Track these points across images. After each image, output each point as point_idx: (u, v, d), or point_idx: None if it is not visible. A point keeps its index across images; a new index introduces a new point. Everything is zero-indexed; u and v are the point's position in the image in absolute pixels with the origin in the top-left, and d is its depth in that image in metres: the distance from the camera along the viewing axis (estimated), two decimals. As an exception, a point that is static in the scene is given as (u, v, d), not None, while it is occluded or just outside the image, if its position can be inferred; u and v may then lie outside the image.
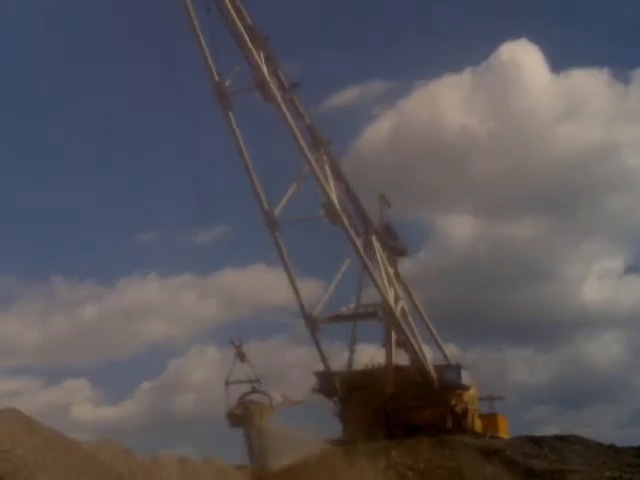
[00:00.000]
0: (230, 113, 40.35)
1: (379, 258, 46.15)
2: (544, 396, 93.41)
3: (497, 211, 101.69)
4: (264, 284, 75.08)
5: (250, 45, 39.40)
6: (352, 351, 47.97)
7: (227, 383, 39.07)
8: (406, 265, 52.01)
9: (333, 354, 48.01)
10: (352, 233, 42.96)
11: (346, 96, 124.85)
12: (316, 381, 46.92)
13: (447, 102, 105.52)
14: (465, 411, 46.98)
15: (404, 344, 46.06)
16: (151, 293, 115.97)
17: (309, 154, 41.36)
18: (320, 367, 46.68)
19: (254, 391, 39.17)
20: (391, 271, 47.80)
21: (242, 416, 38.00)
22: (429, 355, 47.83)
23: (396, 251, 49.83)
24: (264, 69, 40.09)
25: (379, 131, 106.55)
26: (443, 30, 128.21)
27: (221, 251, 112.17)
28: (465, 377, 46.50)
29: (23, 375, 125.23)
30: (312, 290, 49.33)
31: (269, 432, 37.98)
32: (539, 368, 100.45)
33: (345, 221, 42.31)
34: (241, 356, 39.00)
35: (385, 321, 45.40)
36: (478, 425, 48.51)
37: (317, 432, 41.49)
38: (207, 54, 38.96)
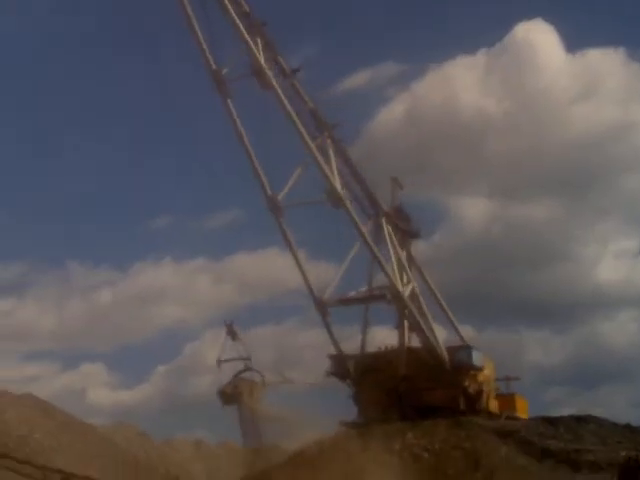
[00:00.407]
0: (229, 100, 40.66)
1: (388, 241, 46.05)
2: (560, 377, 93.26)
3: (512, 193, 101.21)
4: (277, 268, 75.63)
5: (244, 32, 39.50)
6: (365, 334, 48.04)
7: (219, 361, 39.82)
8: (420, 247, 51.80)
9: (347, 337, 48.41)
10: (355, 217, 43.01)
11: (358, 79, 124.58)
12: (330, 364, 47.12)
13: (461, 83, 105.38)
14: (479, 392, 46.57)
15: (414, 326, 45.99)
16: (166, 278, 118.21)
17: (308, 139, 41.37)
18: (333, 350, 47.01)
19: (247, 369, 39.77)
20: (403, 254, 47.63)
21: (232, 394, 38.58)
22: (444, 336, 47.75)
23: (409, 233, 49.54)
24: (260, 56, 40.22)
25: (393, 113, 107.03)
26: (456, 11, 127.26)
27: (234, 235, 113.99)
28: (477, 358, 46.14)
29: (40, 360, 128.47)
30: (326, 273, 49.60)
31: (261, 411, 38.49)
32: (555, 349, 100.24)
33: (348, 205, 42.34)
34: (232, 334, 39.69)
35: (394, 304, 45.36)
36: (494, 406, 48.06)
37: (318, 412, 41.86)
38: (203, 43, 39.32)
